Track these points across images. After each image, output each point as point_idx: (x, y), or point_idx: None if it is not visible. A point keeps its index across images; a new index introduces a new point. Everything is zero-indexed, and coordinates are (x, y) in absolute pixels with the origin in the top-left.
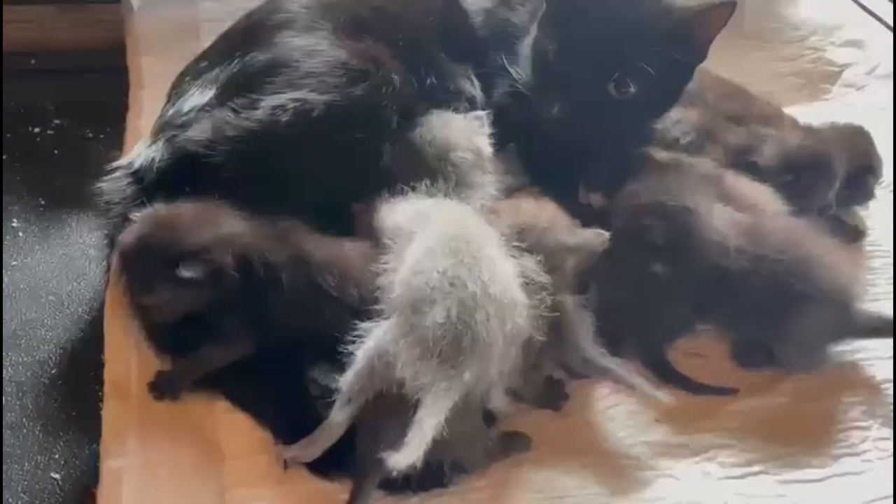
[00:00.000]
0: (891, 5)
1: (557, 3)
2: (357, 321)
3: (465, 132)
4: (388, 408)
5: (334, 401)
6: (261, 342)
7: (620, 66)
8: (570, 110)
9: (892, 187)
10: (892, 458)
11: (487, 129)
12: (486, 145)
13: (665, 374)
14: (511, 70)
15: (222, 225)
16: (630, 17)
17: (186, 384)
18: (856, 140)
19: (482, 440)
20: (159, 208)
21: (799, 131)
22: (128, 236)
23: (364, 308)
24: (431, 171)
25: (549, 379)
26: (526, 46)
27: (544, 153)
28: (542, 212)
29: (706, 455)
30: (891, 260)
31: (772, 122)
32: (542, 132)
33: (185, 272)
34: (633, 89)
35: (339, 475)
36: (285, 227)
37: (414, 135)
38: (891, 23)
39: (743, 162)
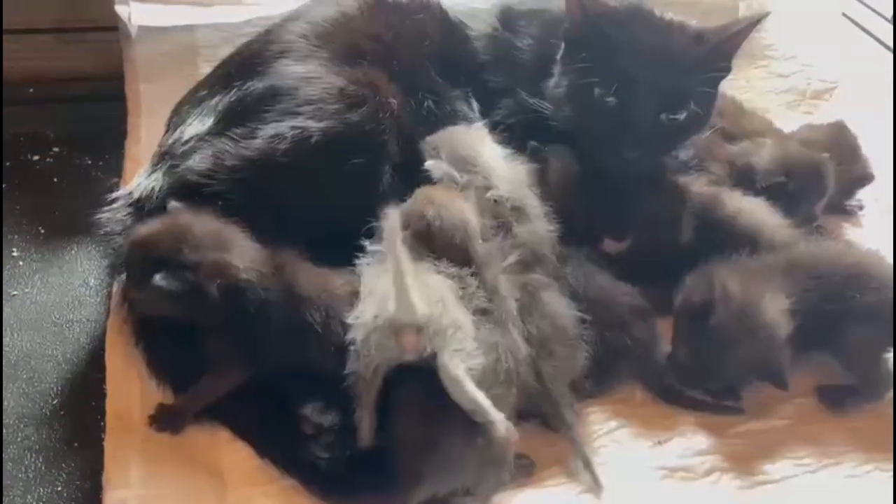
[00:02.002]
0: (889, 25)
1: (588, 43)
2: (342, 357)
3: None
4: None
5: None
6: (255, 371)
7: (671, 98)
8: (643, 151)
9: (891, 196)
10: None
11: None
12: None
13: (668, 396)
14: (539, 106)
15: (227, 251)
16: (667, 48)
17: (188, 419)
18: (839, 136)
19: (504, 471)
20: (182, 213)
21: (793, 141)
22: (142, 228)
23: (347, 345)
24: None
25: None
26: (552, 87)
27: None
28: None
29: (710, 478)
30: None
31: (765, 134)
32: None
33: (159, 281)
34: (682, 117)
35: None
36: (283, 259)
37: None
38: (888, 41)
39: (741, 170)
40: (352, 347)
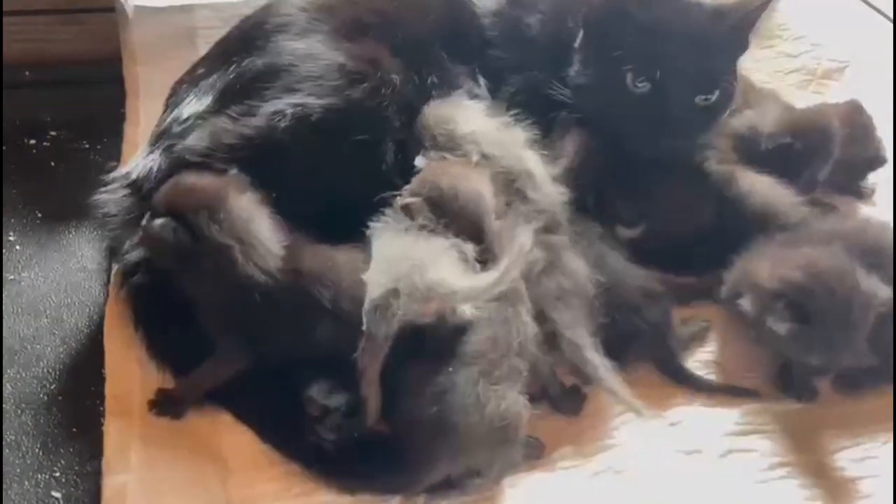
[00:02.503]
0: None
1: (611, 28)
2: (352, 335)
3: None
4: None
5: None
6: (256, 357)
7: (703, 79)
8: (682, 138)
9: (891, 183)
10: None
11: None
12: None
13: (681, 378)
14: (560, 94)
15: (243, 244)
16: (691, 27)
17: (189, 404)
18: (854, 116)
19: (516, 450)
20: (231, 184)
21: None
22: (192, 177)
23: (358, 321)
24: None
25: (562, 385)
26: (574, 75)
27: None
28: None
29: (725, 459)
30: None
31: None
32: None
33: (156, 225)
34: (714, 97)
35: (363, 489)
36: (290, 246)
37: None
38: (891, 15)
39: (745, 136)
40: (366, 307)
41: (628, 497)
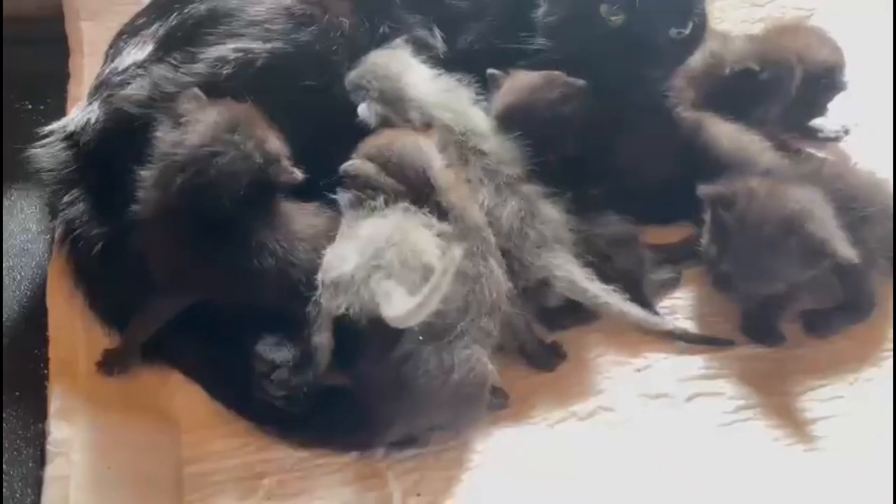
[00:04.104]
0: None
1: None
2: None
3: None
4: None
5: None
6: (194, 296)
7: (677, 10)
8: (662, 68)
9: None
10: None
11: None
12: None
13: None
14: (537, 40)
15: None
16: None
17: (136, 356)
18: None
19: (480, 408)
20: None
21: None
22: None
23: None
24: None
25: (541, 341)
26: (543, 15)
27: None
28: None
29: (692, 403)
30: None
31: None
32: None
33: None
34: (688, 30)
35: (319, 445)
36: None
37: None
38: None
39: (707, 66)
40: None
41: (594, 443)
